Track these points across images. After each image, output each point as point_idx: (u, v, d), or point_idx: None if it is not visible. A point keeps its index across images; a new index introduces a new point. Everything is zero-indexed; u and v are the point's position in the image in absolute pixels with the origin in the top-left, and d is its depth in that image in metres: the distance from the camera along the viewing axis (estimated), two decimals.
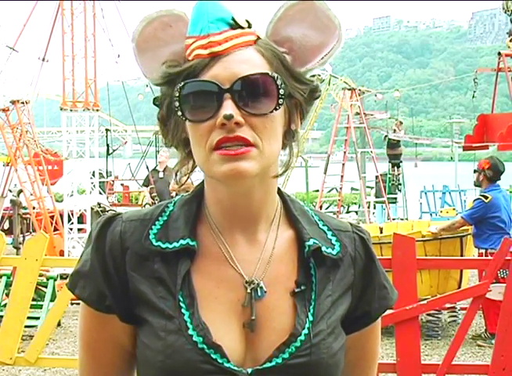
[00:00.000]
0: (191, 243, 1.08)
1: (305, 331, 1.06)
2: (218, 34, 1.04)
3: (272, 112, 1.03)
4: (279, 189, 1.15)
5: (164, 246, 1.08)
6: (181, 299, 1.06)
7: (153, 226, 1.11)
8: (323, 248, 1.11)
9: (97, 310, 1.11)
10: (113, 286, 1.09)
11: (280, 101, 1.03)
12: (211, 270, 1.09)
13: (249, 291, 1.07)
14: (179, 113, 1.04)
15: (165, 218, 1.12)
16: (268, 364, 1.04)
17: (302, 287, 1.09)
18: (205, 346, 1.03)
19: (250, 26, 1.07)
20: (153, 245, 1.09)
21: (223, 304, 1.07)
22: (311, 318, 1.07)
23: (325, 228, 1.15)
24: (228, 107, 1.00)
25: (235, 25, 1.05)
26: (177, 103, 1.04)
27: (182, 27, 1.09)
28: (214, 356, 1.03)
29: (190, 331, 1.04)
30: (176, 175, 1.14)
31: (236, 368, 1.03)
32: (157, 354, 1.04)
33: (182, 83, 1.03)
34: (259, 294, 1.07)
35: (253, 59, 1.04)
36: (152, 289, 1.07)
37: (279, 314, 1.07)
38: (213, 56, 1.03)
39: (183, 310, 1.05)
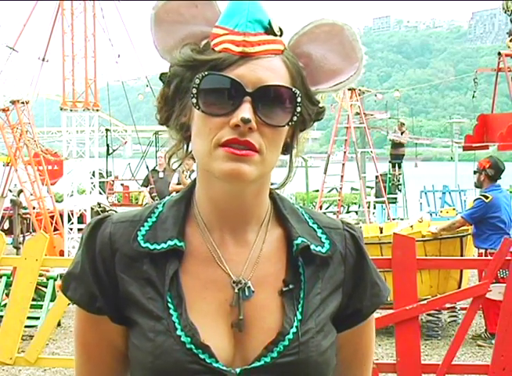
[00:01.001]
0: (179, 244, 1.08)
1: (293, 330, 1.06)
2: (253, 36, 1.04)
3: (284, 126, 1.04)
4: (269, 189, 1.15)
5: (152, 247, 1.09)
6: (169, 300, 1.06)
7: (141, 228, 1.11)
8: (312, 246, 1.11)
9: (88, 312, 1.11)
10: (103, 287, 1.09)
11: (295, 118, 1.04)
12: (199, 271, 1.09)
13: (236, 290, 1.07)
14: (194, 100, 1.03)
15: (154, 219, 1.12)
16: (257, 363, 1.04)
17: (290, 286, 1.09)
18: (193, 346, 1.03)
19: (281, 34, 1.07)
20: (142, 246, 1.09)
21: (211, 304, 1.08)
22: (299, 316, 1.07)
23: (315, 226, 1.16)
24: (247, 111, 1.00)
25: (269, 30, 1.05)
26: (194, 91, 1.03)
27: (207, 11, 1.08)
28: (202, 356, 1.03)
29: (178, 332, 1.04)
30: (170, 159, 1.13)
31: (224, 368, 1.04)
32: (147, 355, 1.05)
33: (206, 73, 1.02)
34: (247, 293, 1.07)
35: (279, 70, 1.04)
36: (141, 290, 1.07)
37: (267, 313, 1.08)
38: (243, 56, 1.03)
39: (171, 311, 1.05)
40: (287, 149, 1.11)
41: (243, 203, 1.09)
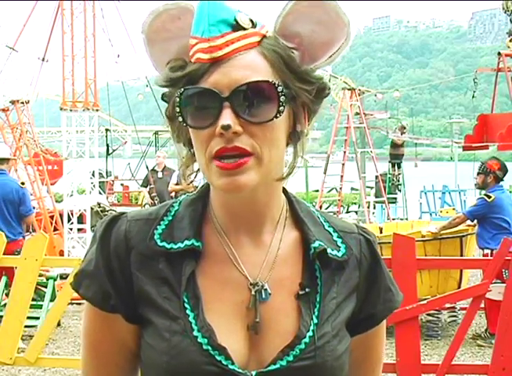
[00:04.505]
0: (196, 243, 1.07)
1: (310, 334, 1.05)
2: (220, 37, 1.01)
3: (272, 120, 1.01)
4: (284, 189, 1.14)
5: (168, 246, 1.08)
6: (185, 300, 1.05)
7: (158, 226, 1.10)
8: (329, 250, 1.10)
9: (102, 309, 1.10)
10: (117, 285, 1.08)
11: (281, 108, 1.01)
12: (216, 271, 1.08)
13: (253, 293, 1.06)
14: (180, 118, 1.03)
15: (170, 218, 1.11)
16: (273, 367, 1.03)
17: (307, 290, 1.08)
18: (210, 348, 1.02)
19: (254, 25, 1.05)
20: (158, 245, 1.08)
21: (228, 306, 1.07)
22: (315, 320, 1.06)
23: (330, 229, 1.15)
24: (227, 117, 0.99)
25: (237, 26, 1.03)
26: (178, 109, 1.03)
27: (191, 19, 1.06)
28: (218, 358, 1.02)
29: (195, 332, 1.03)
30: (184, 173, 1.12)
31: (240, 370, 1.03)
32: (162, 355, 1.04)
33: (182, 89, 1.02)
34: (263, 296, 1.07)
35: (254, 64, 1.02)
36: (156, 289, 1.07)
37: (283, 316, 1.07)
38: (214, 61, 1.01)
39: (188, 311, 1.05)
40: (293, 138, 1.08)
41: (256, 206, 1.08)
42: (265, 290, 1.07)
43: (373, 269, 1.15)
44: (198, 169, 1.11)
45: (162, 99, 1.10)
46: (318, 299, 1.08)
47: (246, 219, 1.09)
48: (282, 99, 1.01)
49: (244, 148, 1.00)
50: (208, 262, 1.08)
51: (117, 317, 1.09)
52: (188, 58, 1.05)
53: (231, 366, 1.02)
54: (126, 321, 1.10)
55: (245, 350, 1.05)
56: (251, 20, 1.05)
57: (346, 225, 1.18)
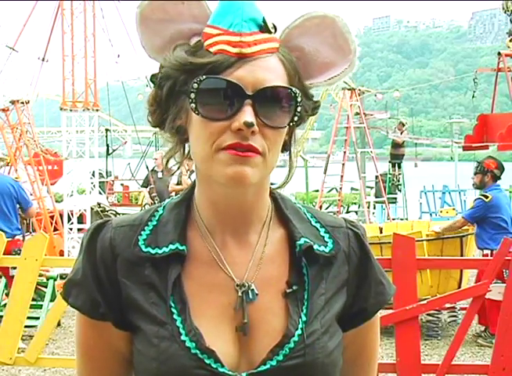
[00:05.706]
0: (180, 247, 1.07)
1: (298, 332, 1.05)
2: (249, 35, 1.01)
3: (285, 127, 1.03)
4: (269, 188, 1.14)
5: (153, 252, 1.07)
6: (172, 305, 1.05)
7: (142, 232, 1.10)
8: (315, 246, 1.10)
9: (91, 318, 1.10)
10: (105, 293, 1.08)
11: (295, 117, 1.03)
12: (202, 274, 1.08)
13: (240, 294, 1.06)
14: (192, 105, 1.01)
15: (154, 222, 1.11)
16: (263, 367, 1.03)
17: (294, 288, 1.08)
18: (198, 351, 1.02)
19: (275, 31, 1.05)
20: (143, 251, 1.08)
21: (215, 308, 1.06)
22: (304, 318, 1.06)
23: (317, 225, 1.14)
24: (249, 114, 0.98)
25: (264, 28, 1.03)
26: (193, 95, 1.00)
27: (194, 9, 1.05)
28: (207, 361, 1.02)
29: (183, 337, 1.03)
30: (167, 162, 1.11)
31: (230, 373, 1.02)
32: (151, 361, 1.04)
33: (205, 76, 1.00)
34: (250, 296, 1.06)
35: (276, 69, 1.03)
36: (143, 295, 1.06)
37: (271, 316, 1.06)
38: (240, 57, 1.00)
39: (175, 316, 1.04)
40: (286, 147, 1.10)
41: (245, 205, 1.08)
42: (252, 290, 1.06)
43: (363, 262, 1.15)
44: (184, 158, 1.10)
45: (151, 79, 1.07)
46: (306, 296, 1.08)
47: (234, 219, 1.09)
48: (299, 109, 1.03)
49: (257, 148, 1.00)
50: (194, 265, 1.08)
51: (107, 325, 1.09)
52: (189, 44, 1.04)
53: (220, 369, 1.02)
54: (116, 328, 1.09)
55: (234, 352, 1.05)
56: (274, 25, 1.05)
57: (334, 219, 1.18)
